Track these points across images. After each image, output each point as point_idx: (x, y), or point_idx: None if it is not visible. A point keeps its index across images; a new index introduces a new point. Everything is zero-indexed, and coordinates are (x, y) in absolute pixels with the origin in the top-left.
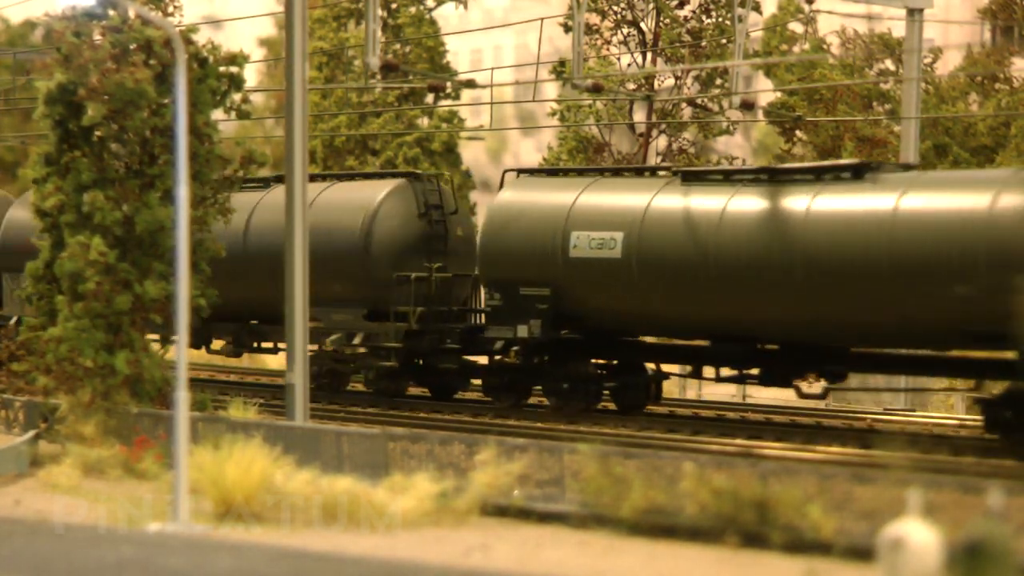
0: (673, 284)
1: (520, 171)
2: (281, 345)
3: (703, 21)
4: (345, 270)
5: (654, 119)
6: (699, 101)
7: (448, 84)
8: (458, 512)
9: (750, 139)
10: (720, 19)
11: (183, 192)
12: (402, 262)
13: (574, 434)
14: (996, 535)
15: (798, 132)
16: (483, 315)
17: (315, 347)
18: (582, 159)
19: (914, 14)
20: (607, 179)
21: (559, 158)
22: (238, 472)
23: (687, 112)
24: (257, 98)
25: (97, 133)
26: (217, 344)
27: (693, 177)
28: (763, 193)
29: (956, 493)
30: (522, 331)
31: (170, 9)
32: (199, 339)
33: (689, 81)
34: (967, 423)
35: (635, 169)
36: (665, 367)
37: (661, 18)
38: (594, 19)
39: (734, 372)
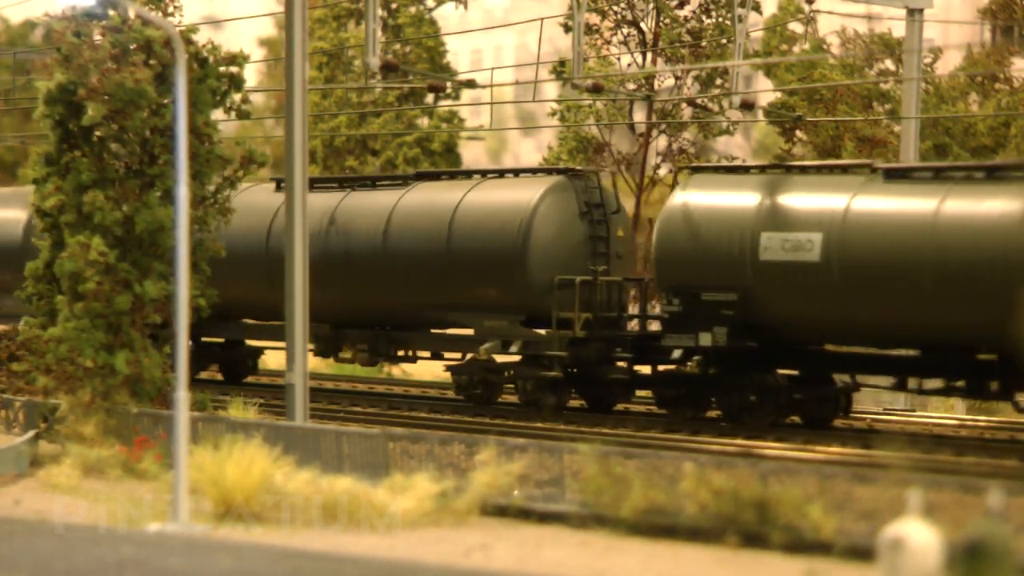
0: (881, 289)
1: (695, 168)
2: (422, 354)
3: (703, 21)
4: (500, 274)
5: (654, 119)
6: (699, 101)
7: (448, 84)
8: (458, 512)
9: (750, 139)
10: (720, 19)
11: (183, 192)
12: (562, 265)
13: (574, 434)
14: (996, 535)
15: (798, 132)
16: (649, 322)
17: (454, 355)
18: (582, 159)
19: (914, 14)
20: (796, 176)
21: (559, 158)
22: (238, 472)
23: (687, 112)
24: (257, 98)
25: (97, 133)
26: (347, 353)
27: (898, 174)
28: (981, 191)
29: (956, 493)
30: (705, 339)
31: (170, 9)
32: (328, 347)
33: (689, 81)
34: (967, 423)
35: (826, 166)
36: (862, 378)
37: (661, 18)
38: (594, 19)
39: (940, 384)
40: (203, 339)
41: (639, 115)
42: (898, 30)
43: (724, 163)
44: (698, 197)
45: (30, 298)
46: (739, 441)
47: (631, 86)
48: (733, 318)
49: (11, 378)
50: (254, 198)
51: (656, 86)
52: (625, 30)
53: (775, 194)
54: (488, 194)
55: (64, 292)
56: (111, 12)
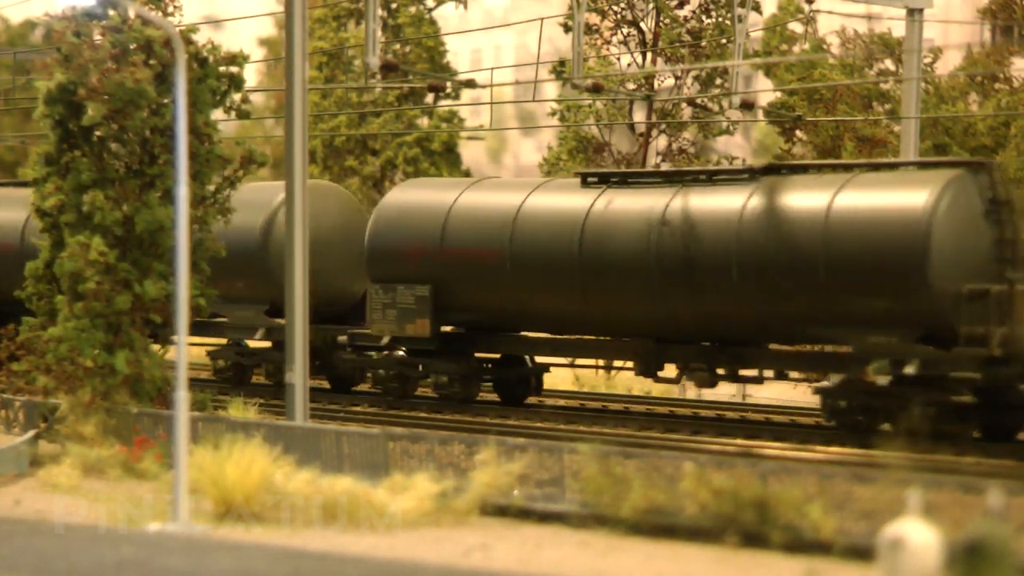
0: None
1: None
2: (768, 373)
3: (703, 21)
4: (890, 284)
5: (654, 119)
6: (699, 101)
7: (448, 84)
8: (458, 512)
9: (750, 139)
10: (720, 19)
11: (183, 192)
12: (967, 273)
13: (574, 434)
14: (996, 535)
15: (798, 132)
16: None
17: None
18: (582, 159)
19: (914, 14)
20: None
21: (559, 158)
22: (238, 472)
23: (687, 112)
24: (257, 98)
25: (97, 133)
26: (670, 370)
27: None
28: None
29: (956, 493)
30: None
31: (170, 9)
32: (648, 364)
33: (689, 81)
34: None
35: None
36: None
37: (661, 18)
38: (594, 19)
39: None
40: (476, 354)
41: (639, 115)
42: (898, 30)
43: None
44: None
45: (30, 298)
46: (739, 441)
47: (631, 86)
48: None
49: (11, 378)
50: (555, 197)
51: (656, 86)
52: (625, 30)
53: None
54: (868, 191)
55: (64, 292)
56: (111, 12)
